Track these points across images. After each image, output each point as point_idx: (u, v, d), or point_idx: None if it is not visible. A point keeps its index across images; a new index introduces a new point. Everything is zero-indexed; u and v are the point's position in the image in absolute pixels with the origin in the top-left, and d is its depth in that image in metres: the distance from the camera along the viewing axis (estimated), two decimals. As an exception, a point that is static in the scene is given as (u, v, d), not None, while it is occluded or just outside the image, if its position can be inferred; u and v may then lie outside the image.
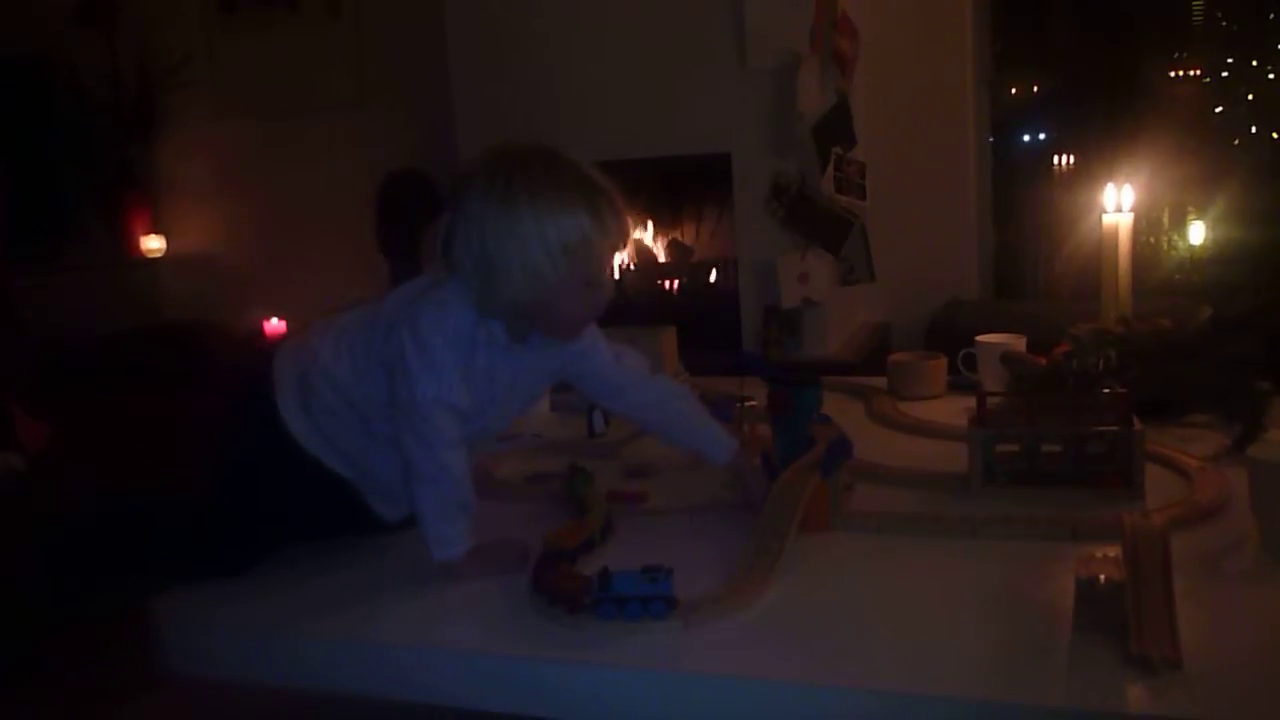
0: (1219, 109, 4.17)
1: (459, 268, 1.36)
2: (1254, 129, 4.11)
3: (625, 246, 1.40)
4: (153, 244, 4.69)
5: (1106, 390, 1.55)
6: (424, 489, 1.32)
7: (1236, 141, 4.14)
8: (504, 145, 1.39)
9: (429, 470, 1.32)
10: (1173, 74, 4.24)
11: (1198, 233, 3.98)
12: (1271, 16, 4.08)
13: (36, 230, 4.40)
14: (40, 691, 2.33)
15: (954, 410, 1.89)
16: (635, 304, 3.71)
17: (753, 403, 1.72)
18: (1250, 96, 4.12)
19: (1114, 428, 1.48)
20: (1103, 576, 1.09)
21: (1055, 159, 4.39)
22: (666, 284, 3.85)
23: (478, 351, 1.37)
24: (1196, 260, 3.96)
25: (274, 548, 1.44)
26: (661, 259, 3.93)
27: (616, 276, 1.41)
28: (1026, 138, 4.42)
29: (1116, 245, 1.93)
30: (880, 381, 2.14)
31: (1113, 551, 1.15)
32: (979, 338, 2.01)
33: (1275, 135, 4.07)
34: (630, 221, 1.41)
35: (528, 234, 1.31)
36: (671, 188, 3.89)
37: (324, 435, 1.43)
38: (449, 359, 1.33)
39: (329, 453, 1.43)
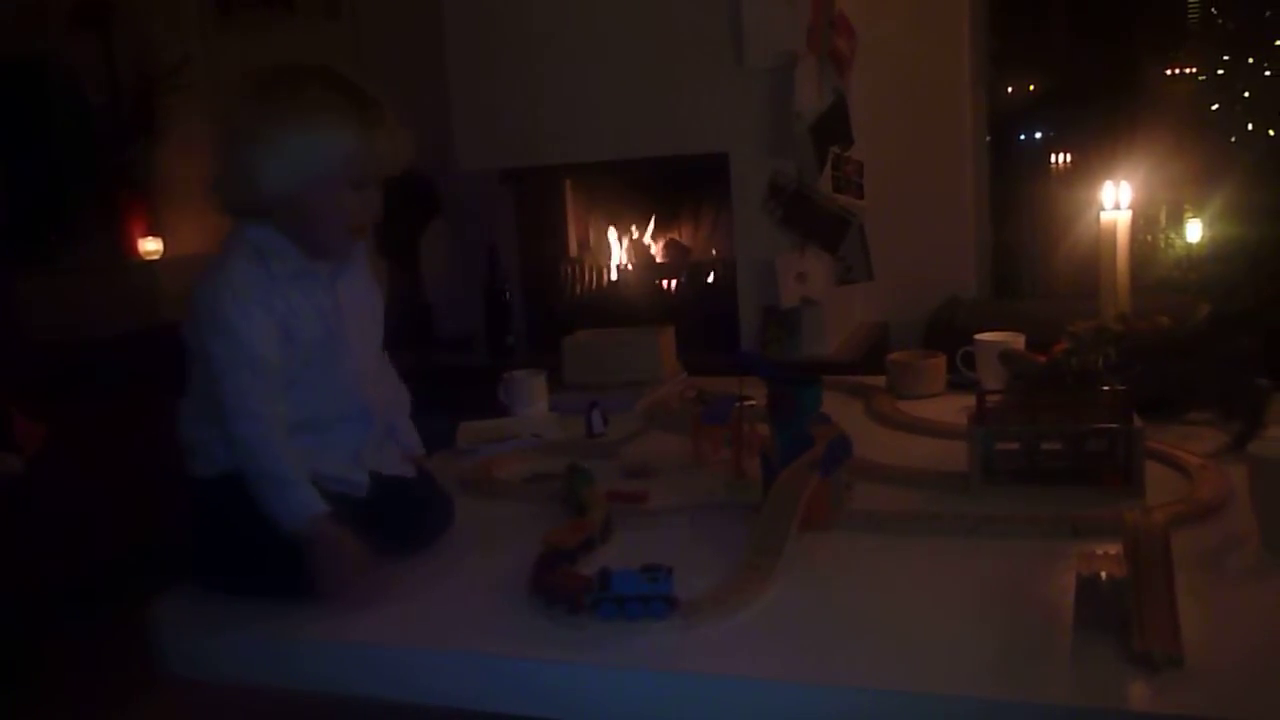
0: (1215, 106, 4.16)
1: (226, 194, 1.37)
2: (1250, 126, 4.11)
3: (399, 164, 1.40)
4: (151, 246, 4.68)
5: (1106, 388, 1.55)
6: (246, 463, 1.31)
7: (1233, 139, 4.14)
8: (276, 64, 1.40)
9: (243, 442, 1.31)
10: (1169, 72, 4.24)
11: (1195, 230, 3.98)
12: (1268, 14, 4.08)
13: (35, 232, 4.39)
14: (40, 693, 2.33)
15: (953, 409, 1.89)
16: (633, 304, 3.71)
17: (752, 402, 1.71)
18: (1247, 94, 4.12)
19: (1114, 425, 1.48)
20: (1104, 574, 1.09)
21: (1053, 157, 4.39)
22: (664, 284, 3.85)
23: (277, 288, 1.35)
24: (1194, 258, 3.95)
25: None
26: (659, 259, 3.93)
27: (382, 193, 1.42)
28: (1024, 136, 4.43)
29: (1115, 242, 1.93)
30: (879, 380, 2.14)
31: (1113, 549, 1.15)
32: (978, 336, 2.01)
33: (1272, 132, 4.06)
34: (407, 139, 1.41)
35: (291, 138, 1.32)
36: (669, 188, 3.88)
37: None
38: (245, 314, 1.31)
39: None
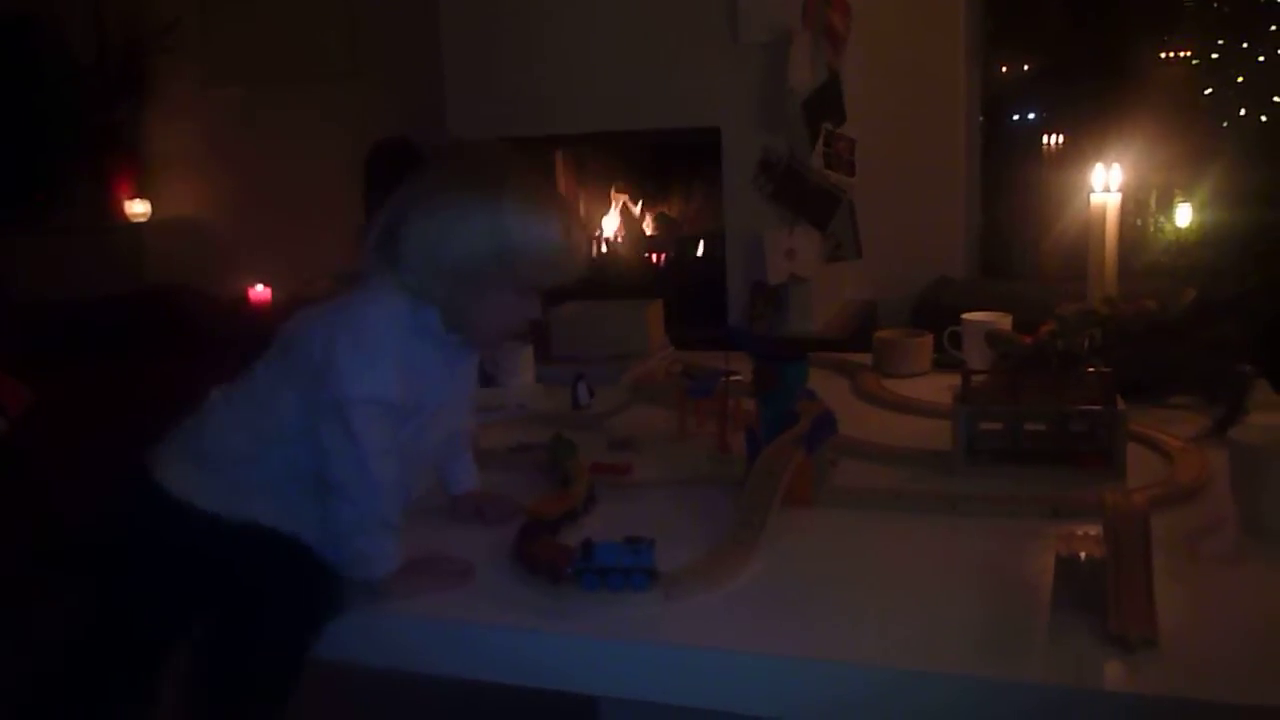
0: (1208, 90, 4.17)
1: (401, 254, 1.25)
2: (1243, 111, 4.12)
3: (571, 277, 1.34)
4: (138, 208, 4.67)
5: (1090, 370, 1.56)
6: (340, 504, 1.19)
7: (1225, 123, 4.15)
8: (489, 142, 1.34)
9: (348, 480, 1.19)
10: (1163, 55, 4.24)
11: (1185, 215, 3.99)
12: (1263, -1, 4.08)
13: (20, 192, 4.37)
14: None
15: (939, 388, 1.90)
16: (621, 277, 3.70)
17: (738, 377, 1.71)
18: (1240, 78, 4.12)
19: (1097, 407, 1.48)
20: (1083, 554, 1.09)
21: (1045, 138, 4.39)
22: (653, 257, 3.85)
23: (412, 339, 1.25)
24: (1183, 243, 3.97)
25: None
26: (649, 232, 3.92)
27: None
28: (1016, 117, 4.42)
29: (1104, 225, 1.93)
30: (866, 358, 2.14)
31: (1093, 530, 1.15)
32: (965, 316, 2.01)
33: (1264, 118, 4.07)
34: (587, 253, 1.34)
35: (506, 224, 1.23)
36: (660, 161, 3.88)
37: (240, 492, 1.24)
38: (386, 349, 1.22)
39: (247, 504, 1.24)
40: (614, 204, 3.92)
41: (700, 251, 3.79)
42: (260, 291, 4.43)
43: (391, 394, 1.21)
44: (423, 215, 1.25)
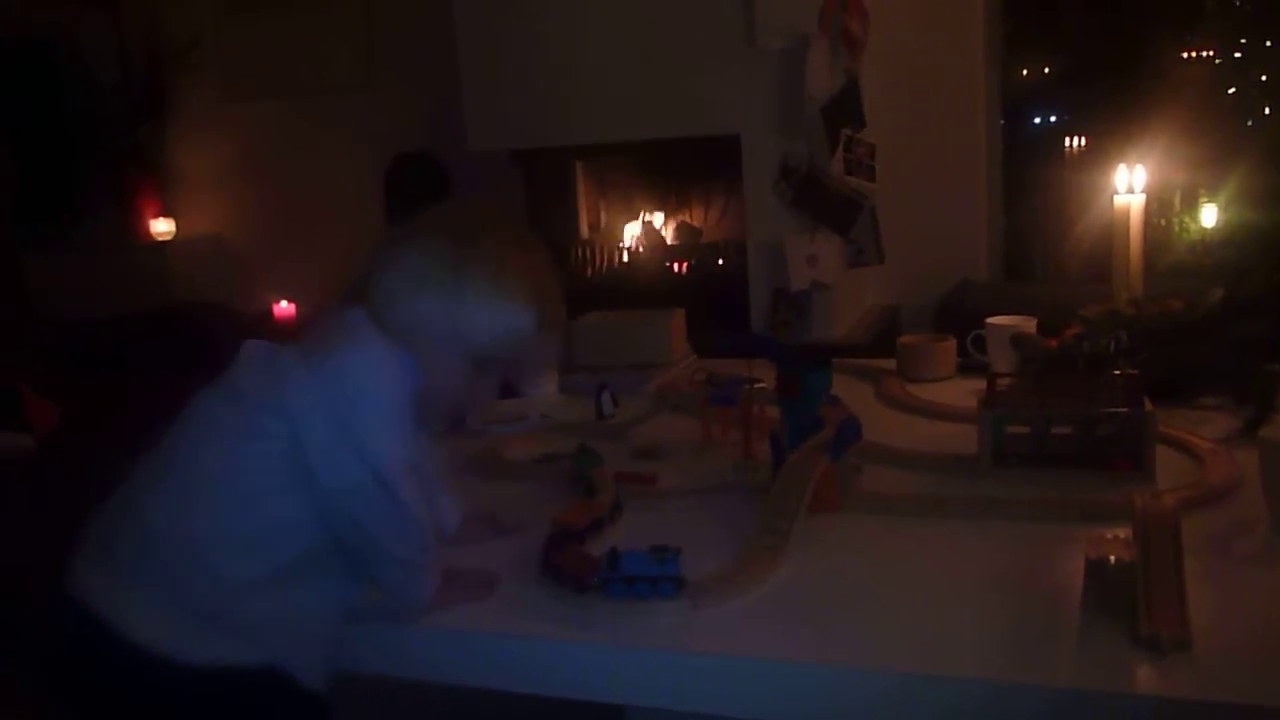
0: (1232, 90, 4.13)
1: (379, 312, 1.20)
2: (1267, 110, 4.08)
3: (535, 359, 1.29)
4: (161, 226, 4.70)
5: (1117, 372, 1.54)
6: (386, 568, 1.17)
7: (1250, 122, 4.11)
8: (476, 207, 1.31)
9: (394, 544, 1.16)
10: (1185, 54, 4.21)
11: (1210, 215, 3.96)
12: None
13: (46, 212, 4.41)
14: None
15: (963, 392, 1.89)
16: (644, 286, 3.70)
17: (762, 384, 1.71)
18: (1264, 77, 4.09)
19: (1125, 409, 1.47)
20: (1113, 557, 1.08)
21: (1066, 140, 4.36)
22: (675, 266, 3.84)
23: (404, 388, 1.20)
24: (1208, 242, 3.93)
25: None
26: (670, 241, 3.92)
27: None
28: (1037, 119, 4.40)
29: (1128, 226, 1.92)
30: (889, 363, 2.13)
31: (1123, 533, 1.14)
32: (989, 319, 2.00)
33: (1288, 116, 4.04)
34: (558, 340, 1.30)
35: (464, 303, 1.20)
36: (680, 169, 3.87)
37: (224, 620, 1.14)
38: (398, 407, 1.17)
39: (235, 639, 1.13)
40: (637, 214, 3.92)
41: (722, 259, 3.78)
42: (284, 307, 4.45)
43: (413, 452, 1.19)
44: (390, 264, 1.22)
